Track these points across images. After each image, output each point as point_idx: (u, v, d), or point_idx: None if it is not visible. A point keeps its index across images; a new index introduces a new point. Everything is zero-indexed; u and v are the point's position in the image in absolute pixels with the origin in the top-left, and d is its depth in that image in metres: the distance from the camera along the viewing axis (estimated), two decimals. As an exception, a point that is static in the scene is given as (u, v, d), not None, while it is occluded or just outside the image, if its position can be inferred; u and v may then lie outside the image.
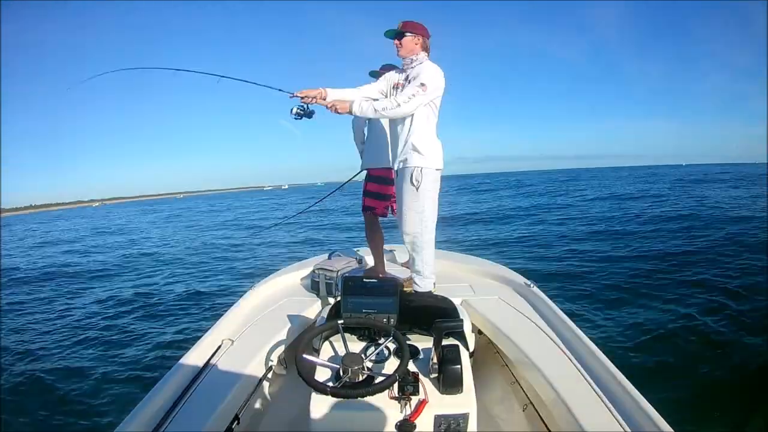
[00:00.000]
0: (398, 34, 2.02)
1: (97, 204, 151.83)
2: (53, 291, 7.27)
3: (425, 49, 2.05)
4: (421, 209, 2.03)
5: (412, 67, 2.03)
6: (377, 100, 2.05)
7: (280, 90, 2.16)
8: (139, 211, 43.52)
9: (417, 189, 2.00)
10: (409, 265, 2.29)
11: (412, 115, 1.98)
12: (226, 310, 2.06)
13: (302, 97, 2.02)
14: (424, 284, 2.13)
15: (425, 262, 2.11)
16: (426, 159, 2.00)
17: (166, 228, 19.11)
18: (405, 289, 2.16)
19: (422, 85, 1.90)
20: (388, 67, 2.35)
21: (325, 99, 2.02)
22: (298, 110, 2.05)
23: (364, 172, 2.58)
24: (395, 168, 2.13)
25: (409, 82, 1.99)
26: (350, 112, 1.96)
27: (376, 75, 2.48)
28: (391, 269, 2.65)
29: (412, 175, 2.00)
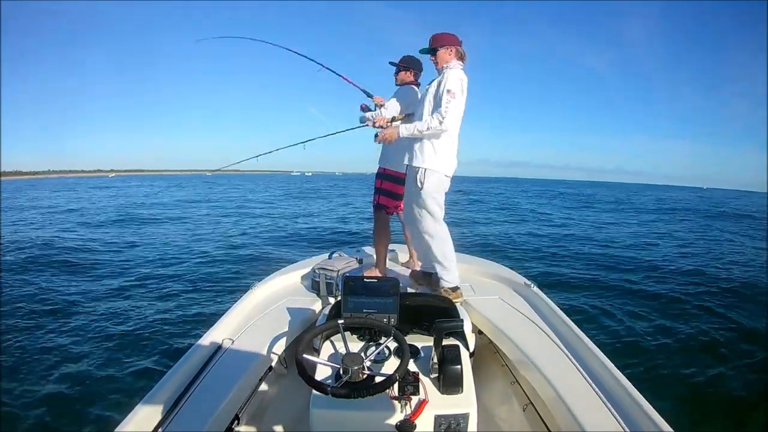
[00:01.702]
0: (432, 50, 2.11)
1: (112, 175, 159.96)
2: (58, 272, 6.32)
3: (460, 56, 2.11)
4: (423, 209, 2.08)
5: (443, 75, 2.08)
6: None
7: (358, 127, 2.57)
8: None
9: (420, 189, 2.06)
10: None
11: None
12: (226, 310, 2.06)
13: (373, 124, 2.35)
14: (449, 278, 2.14)
15: (437, 259, 2.14)
16: (433, 162, 2.05)
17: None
18: (455, 300, 2.07)
19: (449, 91, 1.97)
20: (407, 59, 2.50)
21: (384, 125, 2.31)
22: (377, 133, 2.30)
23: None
24: (405, 164, 2.19)
25: (439, 90, 2.05)
26: (399, 136, 2.10)
27: (395, 65, 2.59)
28: (392, 269, 2.65)
29: (416, 176, 2.06)
